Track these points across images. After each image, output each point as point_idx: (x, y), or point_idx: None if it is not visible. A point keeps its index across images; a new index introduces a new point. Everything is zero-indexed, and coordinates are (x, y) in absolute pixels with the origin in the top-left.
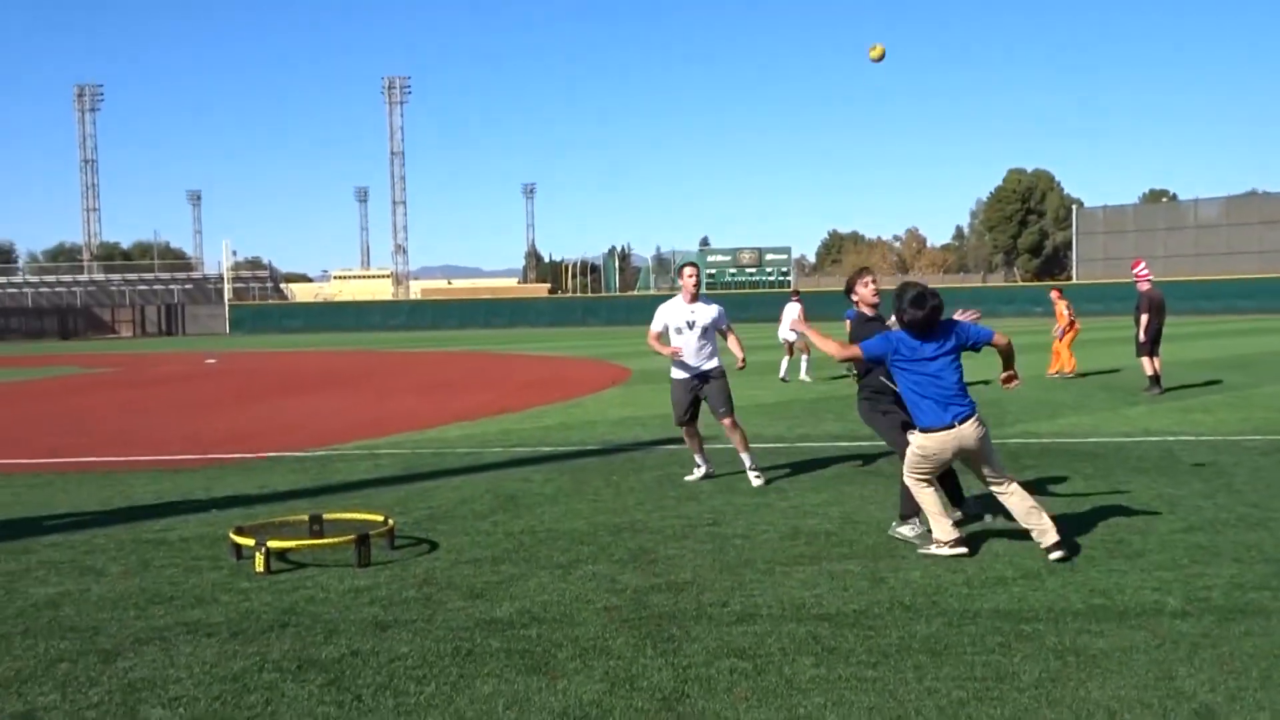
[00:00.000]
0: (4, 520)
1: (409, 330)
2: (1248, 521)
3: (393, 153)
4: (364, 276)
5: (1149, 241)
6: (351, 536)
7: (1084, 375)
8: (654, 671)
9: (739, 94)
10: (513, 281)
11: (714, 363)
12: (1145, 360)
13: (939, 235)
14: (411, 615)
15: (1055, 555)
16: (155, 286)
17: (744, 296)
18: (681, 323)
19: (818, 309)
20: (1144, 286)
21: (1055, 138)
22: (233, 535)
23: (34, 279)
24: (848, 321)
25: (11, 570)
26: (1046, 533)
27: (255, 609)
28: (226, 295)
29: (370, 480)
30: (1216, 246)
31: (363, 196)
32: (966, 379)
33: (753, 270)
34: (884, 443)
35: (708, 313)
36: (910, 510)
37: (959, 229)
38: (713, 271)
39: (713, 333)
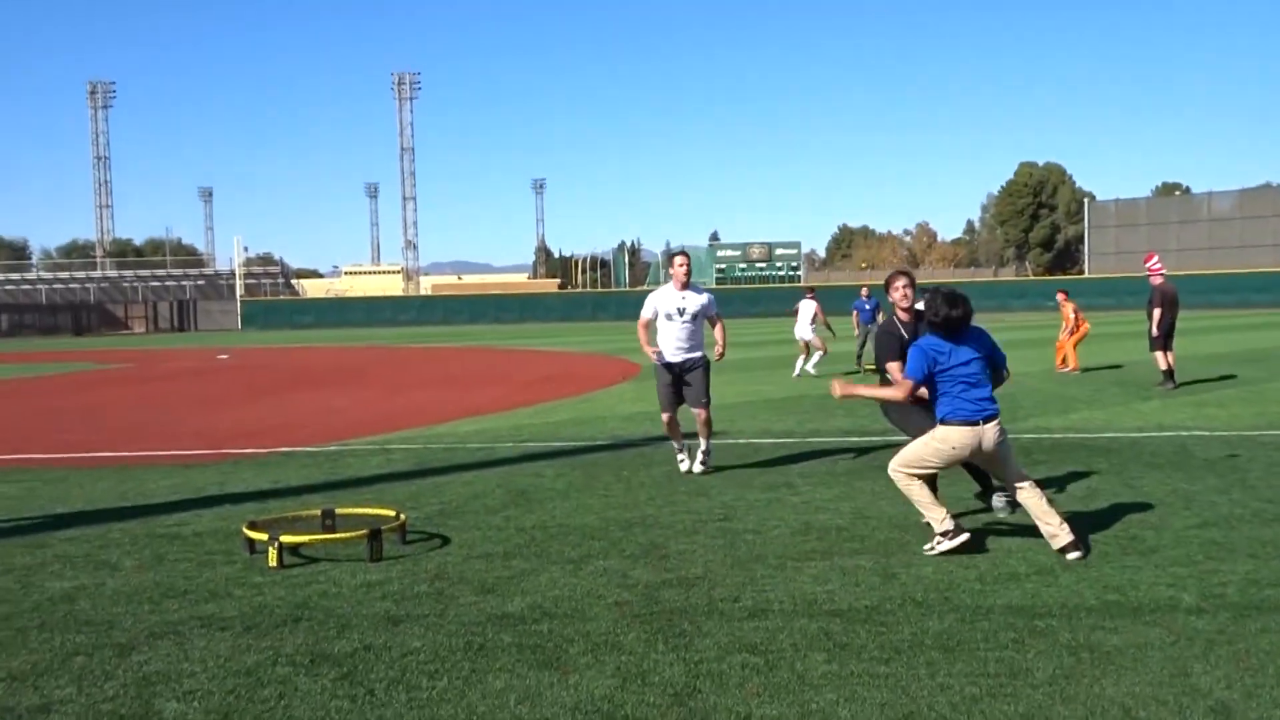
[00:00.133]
0: (20, 514)
1: (419, 326)
2: (1263, 517)
3: (403, 148)
4: (375, 272)
5: (1162, 235)
6: (364, 531)
7: (1094, 370)
8: (665, 667)
9: (749, 88)
10: (523, 277)
11: (699, 353)
12: (1159, 355)
13: (950, 229)
14: (424, 610)
15: (1071, 556)
16: (168, 283)
17: (754, 291)
18: (672, 309)
19: (828, 304)
20: (1157, 280)
21: (1067, 131)
22: (246, 530)
23: (48, 275)
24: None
25: (28, 564)
26: (1058, 536)
27: (268, 603)
28: (238, 291)
29: (382, 475)
30: (1230, 240)
31: (373, 192)
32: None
33: (763, 265)
34: (903, 438)
35: (697, 300)
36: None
37: (970, 223)
38: (723, 266)
39: (701, 321)
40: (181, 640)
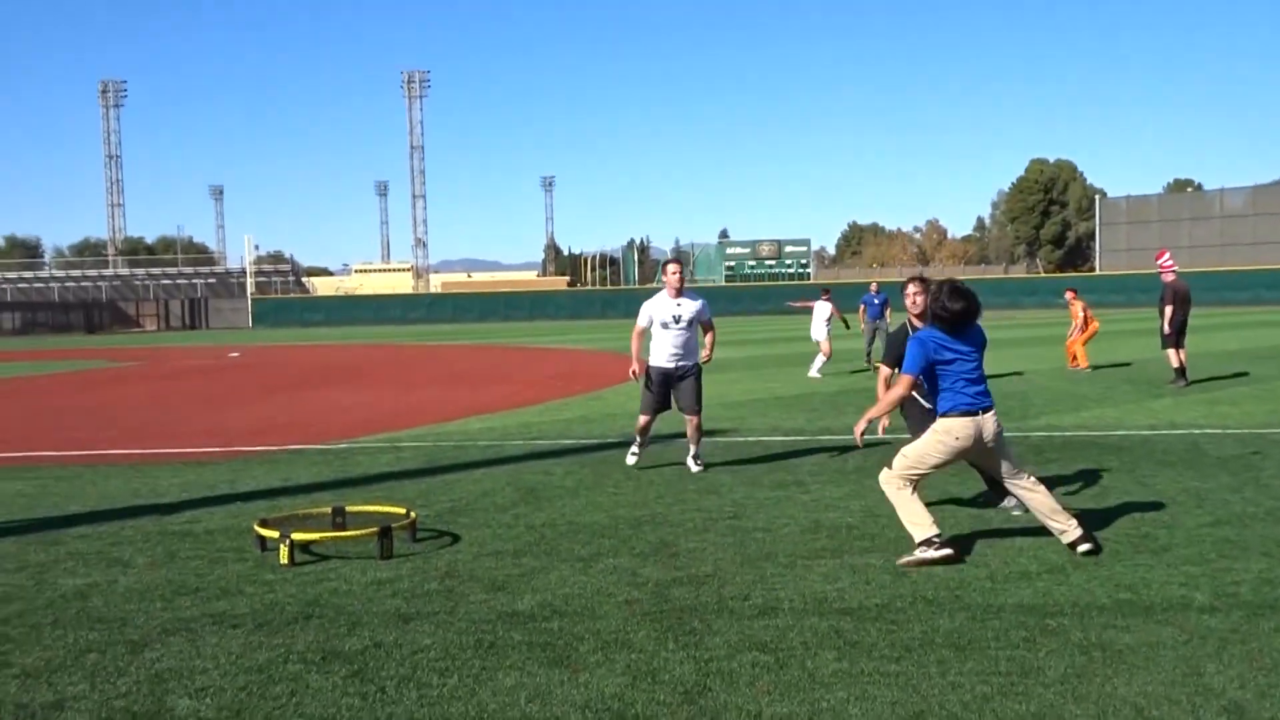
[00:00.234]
0: (33, 512)
1: (429, 323)
2: (1276, 515)
3: (412, 147)
4: (384, 270)
5: (1173, 232)
6: (374, 529)
7: (1105, 367)
8: (676, 665)
9: (758, 85)
10: (532, 275)
11: (693, 360)
12: (1171, 352)
13: (960, 226)
14: (434, 608)
15: (1083, 548)
16: (179, 281)
17: (763, 289)
18: (668, 317)
19: (838, 303)
20: (1169, 278)
21: (1078, 127)
22: (257, 527)
23: (60, 274)
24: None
25: (41, 561)
26: (1067, 532)
27: (280, 600)
28: (249, 289)
29: (392, 473)
30: (1242, 236)
31: (383, 190)
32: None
33: (772, 262)
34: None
35: (693, 306)
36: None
37: (980, 220)
38: (732, 264)
39: (696, 327)
40: (193, 637)
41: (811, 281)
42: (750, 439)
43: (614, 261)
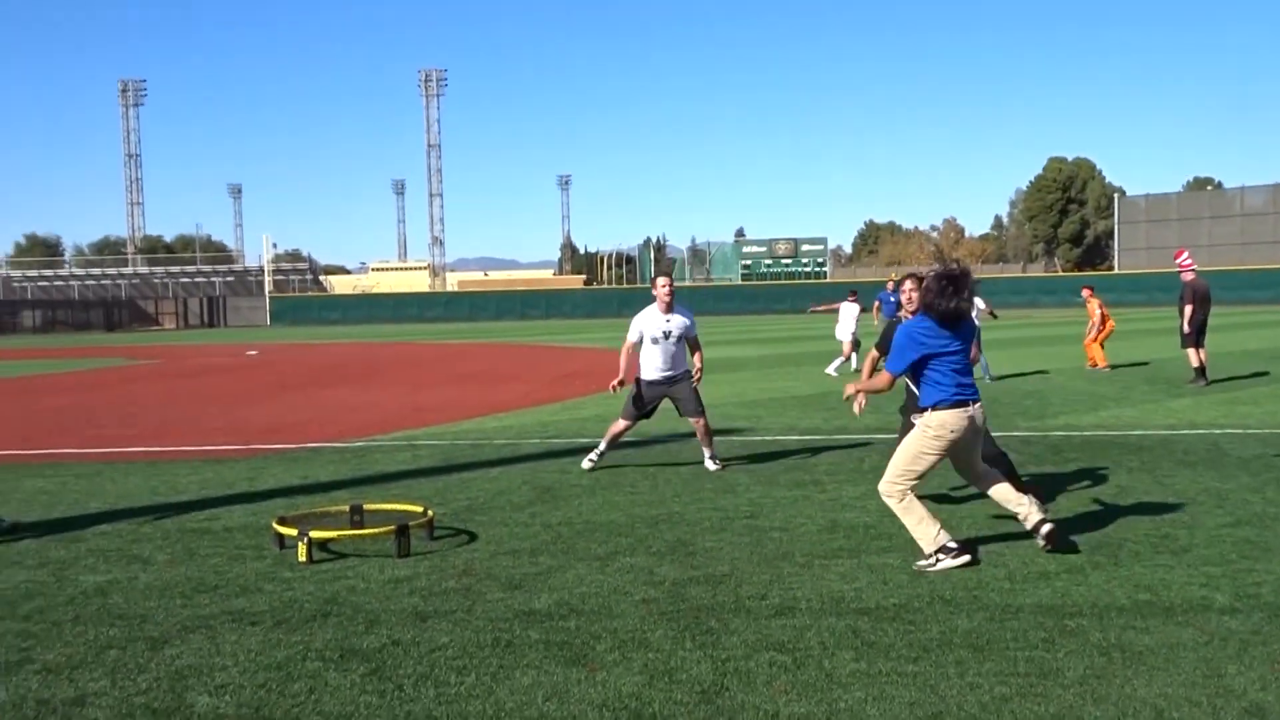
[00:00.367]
0: (54, 509)
1: (446, 322)
2: None
3: (429, 145)
4: (401, 269)
5: (1193, 230)
6: (391, 527)
7: (1124, 367)
8: (693, 664)
9: (776, 84)
10: (548, 273)
11: (684, 368)
12: (1190, 351)
13: (977, 225)
14: (451, 606)
15: (1045, 530)
16: (197, 279)
17: (779, 288)
18: (658, 332)
19: (862, 300)
20: (1188, 277)
21: (1097, 125)
22: (275, 525)
23: (80, 272)
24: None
25: (62, 558)
26: (1029, 516)
27: (298, 598)
28: (267, 287)
29: (409, 471)
30: (1263, 235)
31: (400, 189)
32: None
33: (788, 261)
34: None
35: (681, 322)
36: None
37: (998, 218)
38: (748, 262)
39: (684, 342)
40: (213, 634)
41: (828, 280)
42: (767, 438)
43: (630, 260)
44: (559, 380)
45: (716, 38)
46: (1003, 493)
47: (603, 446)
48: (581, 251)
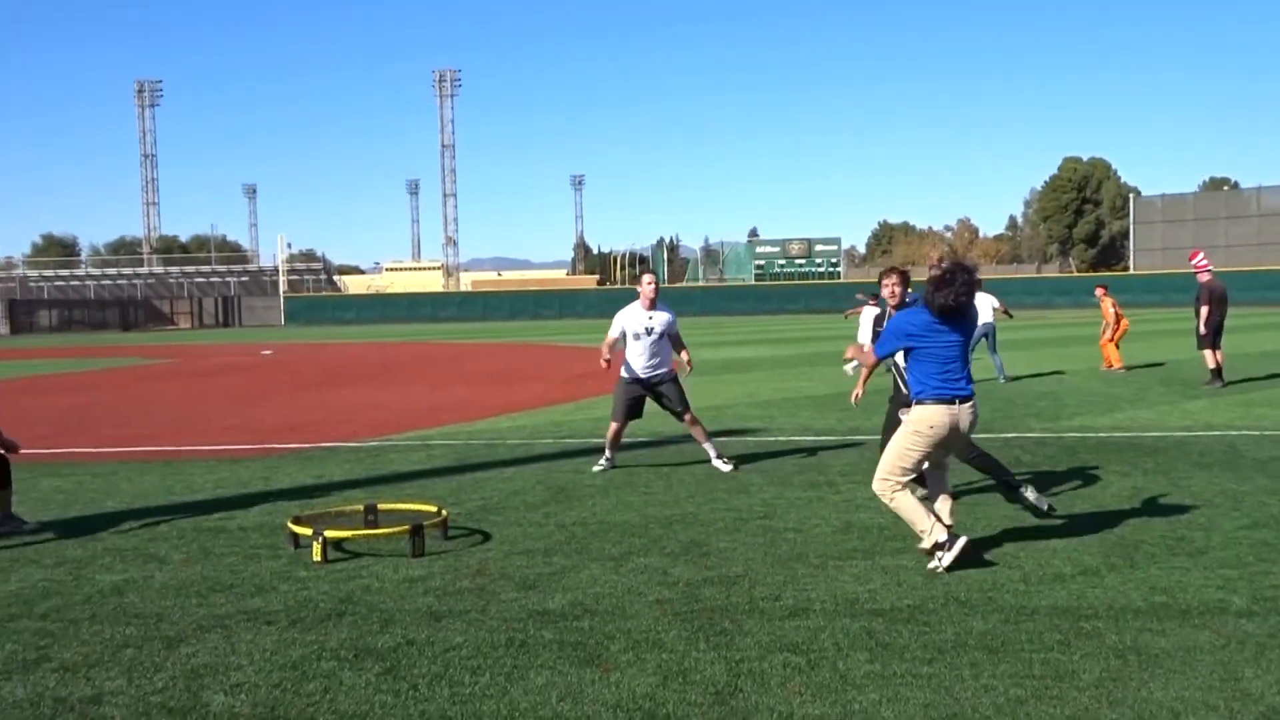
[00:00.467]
0: (70, 508)
1: (459, 322)
2: None
3: (443, 145)
4: (415, 268)
5: (1209, 231)
6: (406, 527)
7: (1139, 368)
8: (706, 665)
9: (789, 84)
10: (562, 273)
11: (666, 368)
12: (1207, 353)
13: (992, 225)
14: (465, 606)
15: (939, 558)
16: (212, 279)
17: (793, 288)
18: (640, 328)
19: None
20: (1204, 278)
21: (1112, 125)
22: (290, 524)
23: (96, 272)
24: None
25: (79, 557)
26: (931, 536)
27: (313, 597)
28: (281, 287)
29: (423, 471)
30: None
31: (414, 189)
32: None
33: (802, 261)
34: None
35: (663, 318)
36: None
37: (1012, 219)
38: (761, 263)
39: (666, 338)
40: (228, 633)
41: (842, 281)
42: (781, 438)
43: (644, 260)
44: (572, 380)
45: (728, 38)
46: (939, 504)
47: (608, 451)
48: (595, 252)
